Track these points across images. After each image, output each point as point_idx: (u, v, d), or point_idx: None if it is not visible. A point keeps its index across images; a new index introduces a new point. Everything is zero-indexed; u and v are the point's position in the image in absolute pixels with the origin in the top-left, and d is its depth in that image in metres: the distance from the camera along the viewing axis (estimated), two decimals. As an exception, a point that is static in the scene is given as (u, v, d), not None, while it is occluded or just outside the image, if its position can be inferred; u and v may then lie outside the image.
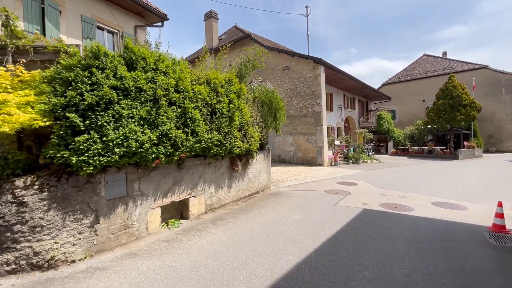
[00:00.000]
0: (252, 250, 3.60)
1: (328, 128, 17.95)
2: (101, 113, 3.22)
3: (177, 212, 4.85)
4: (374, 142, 23.27)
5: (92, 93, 3.19)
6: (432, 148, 20.08)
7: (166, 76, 4.08)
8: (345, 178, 9.87)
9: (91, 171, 3.15)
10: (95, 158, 3.13)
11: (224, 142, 5.12)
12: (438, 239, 4.02)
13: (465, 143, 19.79)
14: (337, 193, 7.25)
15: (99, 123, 3.18)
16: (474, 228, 4.60)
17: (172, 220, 4.60)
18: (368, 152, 16.75)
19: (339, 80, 16.79)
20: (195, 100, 4.54)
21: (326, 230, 4.39)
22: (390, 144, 23.99)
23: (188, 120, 4.32)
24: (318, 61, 13.13)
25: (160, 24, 11.45)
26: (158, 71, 3.98)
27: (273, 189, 7.80)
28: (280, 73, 14.92)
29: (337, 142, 14.53)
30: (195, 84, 4.66)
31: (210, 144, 4.77)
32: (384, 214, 5.37)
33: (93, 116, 3.18)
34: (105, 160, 3.20)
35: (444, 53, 31.08)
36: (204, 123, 4.67)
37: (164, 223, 4.48)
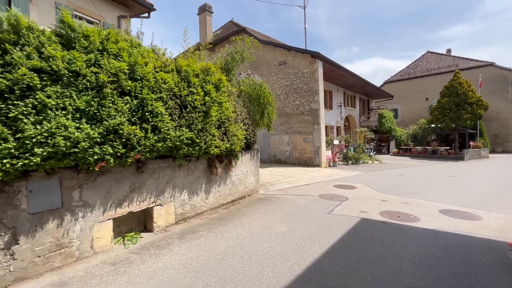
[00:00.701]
0: (217, 278, 2.85)
1: (327, 127, 17.16)
2: (15, 102, 2.47)
3: (138, 223, 4.11)
4: (375, 142, 22.46)
5: (2, 76, 2.44)
6: (436, 148, 19.23)
7: (118, 60, 3.33)
8: (343, 180, 9.09)
9: (1, 178, 2.40)
10: (5, 161, 2.38)
11: (198, 140, 4.36)
12: (452, 261, 3.25)
13: (471, 143, 18.93)
14: (332, 199, 6.48)
15: (11, 114, 2.43)
16: (493, 245, 3.81)
17: (131, 234, 3.86)
18: (369, 152, 15.95)
19: (338, 77, 15.98)
20: (158, 91, 3.78)
21: (314, 247, 3.63)
22: (392, 143, 23.16)
23: (147, 114, 3.56)
24: (315, 55, 12.34)
25: (146, 15, 10.75)
26: (106, 53, 3.23)
27: (262, 193, 7.04)
28: (276, 69, 14.14)
29: (335, 142, 13.75)
30: (159, 72, 3.90)
31: (178, 143, 4.01)
32: (385, 225, 4.59)
33: (2, 106, 2.43)
34: (20, 164, 2.46)
35: (449, 50, 30.15)
36: (170, 118, 3.92)
37: (120, 238, 3.73)
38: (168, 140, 3.86)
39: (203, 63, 4.93)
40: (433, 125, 19.51)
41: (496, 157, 19.60)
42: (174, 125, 3.99)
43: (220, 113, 4.95)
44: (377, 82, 30.13)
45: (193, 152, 4.38)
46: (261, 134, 14.73)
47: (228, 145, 5.17)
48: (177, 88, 4.11)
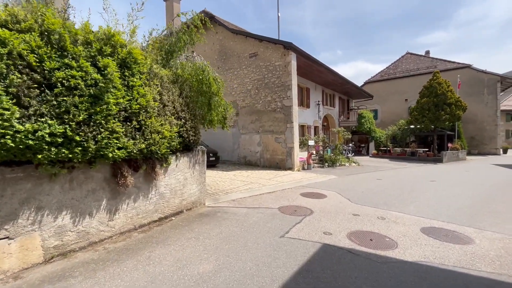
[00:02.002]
0: None
1: (303, 126, 16.08)
2: None
3: (-35, 270, 2.60)
4: (353, 143, 21.71)
5: None
6: (415, 149, 18.71)
7: None
8: (314, 187, 7.90)
9: None
10: None
11: (79, 138, 2.90)
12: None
13: (449, 144, 18.56)
14: (294, 213, 5.21)
15: None
16: (499, 292, 2.66)
17: None
18: (347, 153, 15.01)
19: (315, 73, 14.91)
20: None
21: (237, 308, 2.30)
22: (372, 145, 22.53)
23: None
24: (288, 46, 11.12)
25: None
26: None
27: (209, 205, 5.66)
28: (247, 61, 12.81)
29: (311, 143, 12.62)
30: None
31: (33, 142, 2.55)
32: (352, 257, 3.35)
33: None
34: None
35: (427, 52, 30.19)
36: (11, 102, 2.44)
37: None
38: (9, 136, 2.39)
39: (104, 28, 3.46)
40: (412, 126, 18.97)
41: (473, 159, 19.39)
42: (24, 113, 2.52)
43: (128, 101, 3.51)
44: (359, 84, 29.63)
45: (73, 155, 2.92)
46: (231, 134, 13.38)
47: (144, 146, 3.74)
48: (34, 56, 2.64)
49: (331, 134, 19.84)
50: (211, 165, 11.98)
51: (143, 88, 3.80)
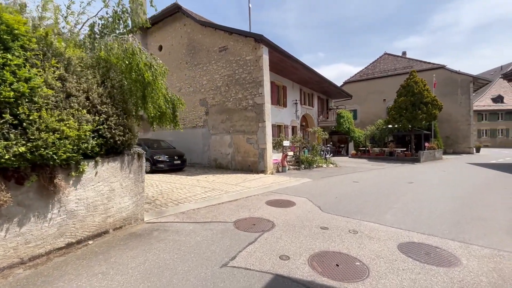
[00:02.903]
0: None
1: (280, 126, 15.31)
2: None
3: None
4: (332, 143, 21.26)
5: None
6: (393, 149, 18.50)
7: None
8: (284, 192, 7.06)
9: None
10: None
11: None
12: None
13: (426, 144, 18.52)
14: (251, 228, 4.31)
15: None
16: None
17: None
18: (325, 154, 14.38)
19: (291, 69, 14.19)
20: None
21: None
22: (351, 145, 22.23)
23: None
24: (259, 39, 10.27)
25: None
26: None
27: (149, 221, 4.62)
28: (217, 56, 11.83)
29: (286, 143, 11.83)
30: None
31: None
32: (309, 297, 2.48)
33: None
34: None
35: (404, 53, 30.63)
36: None
37: None
38: None
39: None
40: (390, 126, 18.77)
41: (449, 158, 19.51)
42: None
43: (-7, 85, 2.45)
44: (339, 84, 29.43)
45: None
46: (201, 134, 12.33)
47: (25, 149, 2.68)
48: None
49: (311, 135, 19.25)
50: (176, 169, 10.87)
51: (28, 70, 2.74)
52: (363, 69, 30.49)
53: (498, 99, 39.60)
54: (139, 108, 4.54)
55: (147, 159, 10.47)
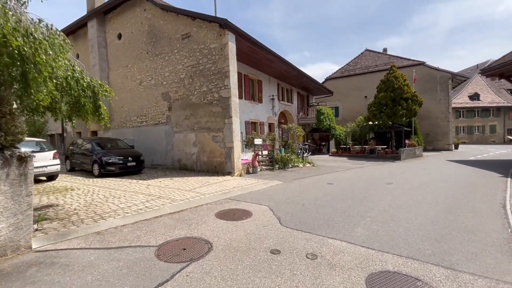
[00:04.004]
0: None
1: (255, 123, 14.26)
2: None
3: None
4: (309, 141, 20.45)
5: None
6: (374, 147, 17.94)
7: None
8: (244, 199, 5.99)
9: None
10: None
11: None
12: None
13: (406, 141, 18.09)
14: (177, 256, 3.19)
15: None
16: None
17: None
18: (302, 153, 13.46)
19: (265, 62, 13.15)
20: None
21: None
22: (332, 143, 21.55)
23: None
24: (224, 25, 9.12)
25: None
26: None
27: (39, 248, 3.39)
28: (179, 44, 10.57)
29: (258, 141, 10.79)
30: None
31: None
32: None
33: None
34: None
35: (385, 49, 30.41)
36: None
37: None
38: None
39: None
40: (370, 123, 18.18)
41: (429, 155, 19.24)
42: None
43: None
44: (320, 81, 28.72)
45: None
46: (164, 132, 11.05)
47: None
48: None
49: (289, 133, 18.35)
50: (132, 172, 9.56)
51: None
52: (344, 66, 30.01)
53: (475, 96, 40.54)
54: (24, 95, 3.29)
55: (95, 161, 9.08)
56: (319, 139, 23.40)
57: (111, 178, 8.73)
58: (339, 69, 30.11)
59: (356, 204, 5.54)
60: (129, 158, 9.30)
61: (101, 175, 8.92)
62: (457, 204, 5.55)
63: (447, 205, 5.47)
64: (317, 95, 23.97)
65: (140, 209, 5.02)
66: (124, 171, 9.25)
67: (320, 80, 28.35)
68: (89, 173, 9.61)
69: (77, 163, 10.19)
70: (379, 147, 17.90)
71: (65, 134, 15.89)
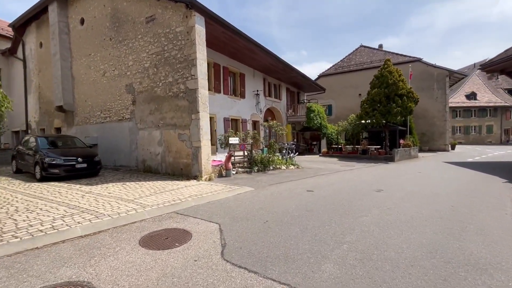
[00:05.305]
0: None
1: (236, 120, 12.99)
2: None
3: None
4: (295, 140, 19.18)
5: None
6: (367, 147, 16.79)
7: None
8: (193, 214, 4.74)
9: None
10: None
11: None
12: None
13: (401, 141, 16.97)
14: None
15: None
16: None
17: None
18: (287, 153, 12.24)
19: (247, 53, 11.88)
20: None
21: None
22: (323, 142, 20.38)
23: None
24: (190, 5, 7.83)
25: None
26: None
27: None
28: (144, 29, 9.24)
29: (233, 141, 9.52)
30: None
31: None
32: None
33: None
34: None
35: (380, 46, 29.31)
36: None
37: None
38: None
39: None
40: (363, 121, 17.02)
41: (424, 156, 18.17)
42: None
43: None
44: (313, 77, 27.53)
45: None
46: (127, 129, 9.73)
47: None
48: None
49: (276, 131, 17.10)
50: (83, 175, 8.23)
51: None
52: (338, 62, 28.85)
53: (472, 96, 39.71)
54: None
55: (37, 163, 7.74)
56: (310, 138, 22.22)
57: (53, 183, 7.39)
58: (333, 66, 28.94)
59: (333, 221, 4.31)
60: (79, 159, 7.96)
61: (44, 179, 7.59)
62: (460, 220, 4.34)
63: (447, 222, 4.25)
64: (308, 92, 22.76)
65: (40, 230, 3.73)
66: (73, 174, 7.92)
67: (314, 77, 27.17)
68: (33, 176, 8.27)
69: (22, 164, 8.83)
70: (372, 147, 16.77)
71: (29, 131, 14.47)
